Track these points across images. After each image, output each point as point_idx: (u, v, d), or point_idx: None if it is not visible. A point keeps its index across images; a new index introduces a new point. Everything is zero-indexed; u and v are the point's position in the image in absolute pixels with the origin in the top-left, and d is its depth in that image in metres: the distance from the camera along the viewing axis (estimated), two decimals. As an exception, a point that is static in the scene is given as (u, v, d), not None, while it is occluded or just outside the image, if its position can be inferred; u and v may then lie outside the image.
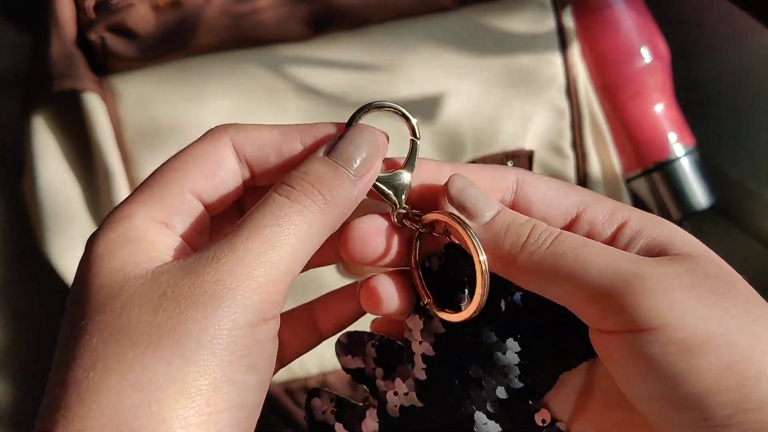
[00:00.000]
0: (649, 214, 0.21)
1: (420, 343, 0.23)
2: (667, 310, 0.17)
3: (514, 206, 0.22)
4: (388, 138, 0.22)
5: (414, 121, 0.22)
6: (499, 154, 0.45)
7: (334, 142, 0.20)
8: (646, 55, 0.47)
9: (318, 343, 0.25)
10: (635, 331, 0.18)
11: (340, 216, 0.20)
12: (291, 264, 0.19)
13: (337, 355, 0.24)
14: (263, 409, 0.20)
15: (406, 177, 0.22)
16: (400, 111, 0.22)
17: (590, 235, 0.20)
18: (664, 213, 0.49)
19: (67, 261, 0.41)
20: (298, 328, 0.24)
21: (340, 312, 0.24)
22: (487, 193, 0.21)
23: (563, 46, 0.46)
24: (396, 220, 0.22)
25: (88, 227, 0.42)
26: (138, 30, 0.40)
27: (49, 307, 0.49)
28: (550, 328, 0.21)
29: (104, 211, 0.42)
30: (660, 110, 0.48)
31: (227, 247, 0.18)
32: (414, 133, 0.22)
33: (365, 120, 0.22)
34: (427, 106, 0.44)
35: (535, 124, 0.45)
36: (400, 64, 0.43)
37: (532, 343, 0.22)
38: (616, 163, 0.48)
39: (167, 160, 0.21)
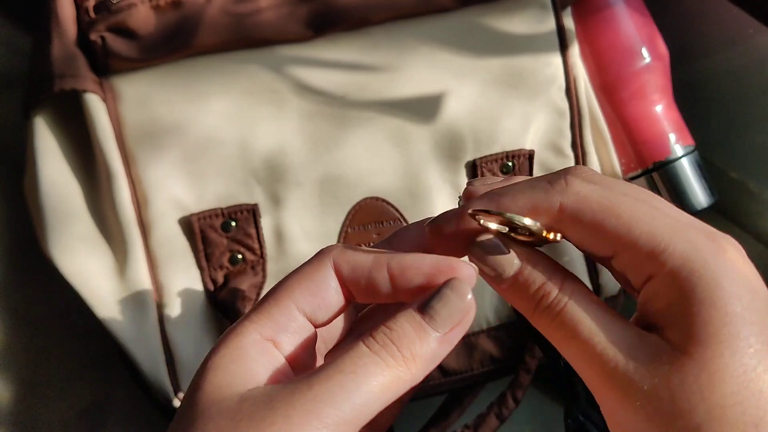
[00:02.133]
0: (695, 241, 0.20)
1: None
2: (632, 411, 0.19)
3: (560, 220, 0.22)
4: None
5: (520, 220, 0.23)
6: (499, 154, 0.45)
7: (426, 297, 0.21)
8: (645, 55, 0.47)
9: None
10: (604, 412, 0.21)
11: (421, 370, 0.21)
12: (359, 410, 0.19)
13: None
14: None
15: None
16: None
17: (629, 256, 0.21)
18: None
19: (68, 261, 0.41)
20: None
21: None
22: (506, 257, 0.22)
23: (563, 46, 0.46)
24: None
25: (90, 227, 0.42)
26: (139, 30, 0.40)
27: (49, 307, 0.49)
28: None
29: (106, 212, 0.42)
30: (660, 110, 0.48)
31: (305, 384, 0.20)
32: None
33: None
34: (428, 107, 0.44)
35: (536, 124, 0.45)
36: (400, 64, 0.43)
37: None
38: (616, 163, 0.48)
39: (280, 281, 0.23)
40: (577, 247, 0.23)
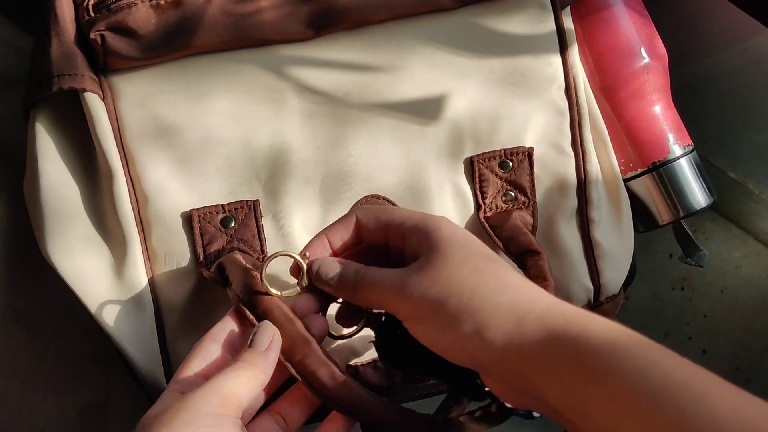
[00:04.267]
0: (422, 215, 0.36)
1: None
2: (409, 304, 0.33)
3: (358, 233, 0.37)
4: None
5: (302, 261, 0.37)
6: (497, 152, 0.45)
7: (251, 337, 0.35)
8: (644, 55, 0.48)
9: None
10: (403, 318, 0.33)
11: (265, 370, 0.34)
12: (236, 389, 0.32)
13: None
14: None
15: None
16: (286, 254, 0.37)
17: (393, 238, 0.36)
18: (664, 212, 0.49)
19: (66, 261, 0.41)
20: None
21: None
22: (331, 263, 0.36)
23: (563, 45, 0.46)
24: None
25: (89, 227, 0.42)
26: (139, 29, 0.40)
27: (49, 306, 0.49)
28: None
29: (106, 211, 0.42)
30: (658, 110, 0.48)
31: (200, 388, 0.32)
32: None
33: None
34: (428, 106, 0.44)
35: (535, 122, 0.45)
36: (401, 64, 0.43)
37: None
38: (614, 163, 0.48)
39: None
40: (368, 240, 0.37)
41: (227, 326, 0.36)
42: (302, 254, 0.37)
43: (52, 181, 0.41)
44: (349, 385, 0.35)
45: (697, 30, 0.57)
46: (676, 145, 0.48)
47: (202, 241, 0.42)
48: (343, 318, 0.39)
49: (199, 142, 0.42)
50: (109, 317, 0.41)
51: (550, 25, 0.45)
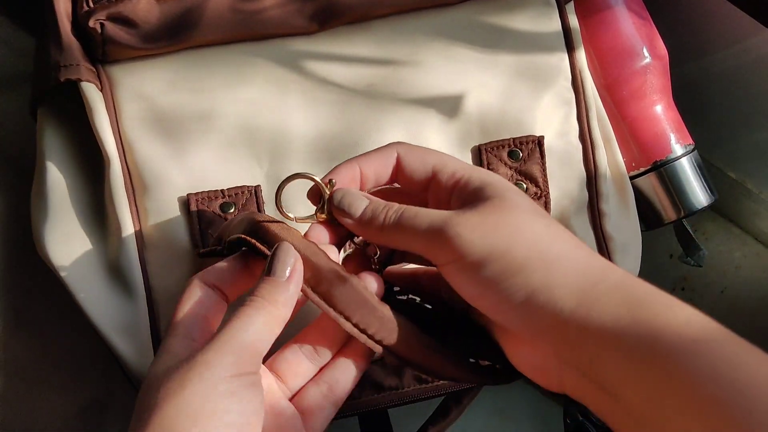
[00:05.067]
0: (478, 168, 0.32)
1: None
2: (460, 246, 0.28)
3: (397, 171, 0.33)
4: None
5: (319, 180, 0.33)
6: (506, 140, 0.44)
7: (268, 263, 0.30)
8: (645, 55, 0.48)
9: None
10: (444, 264, 0.29)
11: (286, 304, 0.29)
12: (253, 339, 0.28)
13: None
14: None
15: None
16: (308, 176, 0.33)
17: (437, 184, 0.32)
18: (665, 211, 0.49)
19: (58, 251, 0.40)
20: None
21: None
22: (357, 195, 0.32)
23: (568, 39, 0.45)
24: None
25: (87, 219, 0.42)
26: (140, 21, 0.40)
27: (49, 305, 0.49)
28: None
29: (105, 201, 0.42)
30: (659, 110, 0.48)
31: (213, 338, 0.28)
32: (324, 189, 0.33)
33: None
34: (435, 97, 0.44)
35: (543, 114, 0.45)
36: (406, 56, 0.43)
37: None
38: (620, 161, 0.47)
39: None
40: (405, 185, 0.33)
41: (222, 266, 0.32)
42: (326, 181, 0.33)
43: (57, 176, 0.41)
44: (402, 326, 0.31)
45: (697, 30, 0.57)
46: (678, 145, 0.48)
47: (200, 226, 0.41)
48: (350, 265, 0.34)
49: (199, 131, 0.41)
50: (97, 307, 0.40)
51: (555, 19, 0.45)
